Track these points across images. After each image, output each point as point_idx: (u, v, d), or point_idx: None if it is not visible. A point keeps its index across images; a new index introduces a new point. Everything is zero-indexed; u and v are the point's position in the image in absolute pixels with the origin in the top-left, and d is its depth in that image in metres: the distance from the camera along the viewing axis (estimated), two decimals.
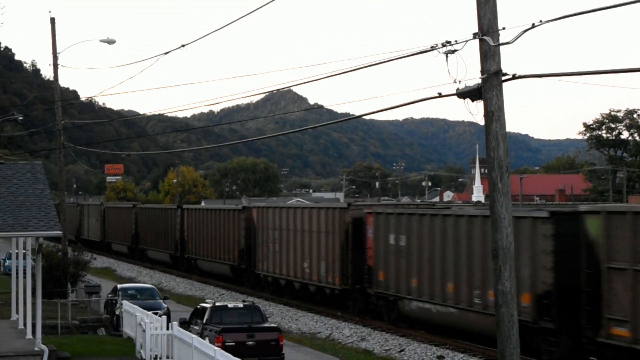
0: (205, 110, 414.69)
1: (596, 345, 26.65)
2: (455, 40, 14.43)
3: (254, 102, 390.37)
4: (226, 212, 59.12)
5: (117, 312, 35.92)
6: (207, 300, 31.66)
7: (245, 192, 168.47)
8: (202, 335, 26.37)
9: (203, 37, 28.16)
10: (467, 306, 32.34)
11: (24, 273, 28.48)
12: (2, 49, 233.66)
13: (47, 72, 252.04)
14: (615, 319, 25.81)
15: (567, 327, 28.02)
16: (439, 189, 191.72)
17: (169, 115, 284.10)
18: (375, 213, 39.31)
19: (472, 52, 14.42)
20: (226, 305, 29.00)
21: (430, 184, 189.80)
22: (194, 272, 65.28)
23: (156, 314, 30.80)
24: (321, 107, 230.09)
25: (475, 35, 14.31)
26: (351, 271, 41.55)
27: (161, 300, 37.59)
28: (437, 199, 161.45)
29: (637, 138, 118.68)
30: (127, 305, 32.99)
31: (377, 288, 38.91)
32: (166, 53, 31.29)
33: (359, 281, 40.97)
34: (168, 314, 34.69)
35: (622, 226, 25.58)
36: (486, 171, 15.21)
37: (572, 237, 27.55)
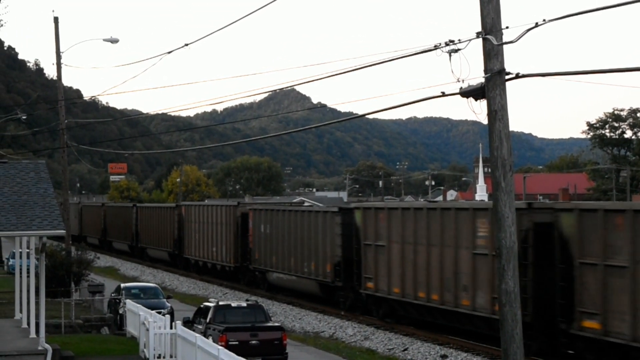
0: (209, 109, 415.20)
1: (365, 297, 39.23)
2: (459, 40, 14.41)
3: (257, 101, 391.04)
4: (165, 209, 72.23)
5: (120, 311, 35.93)
6: (210, 300, 31.59)
7: (249, 191, 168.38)
8: (205, 335, 26.35)
9: (206, 36, 28.21)
10: (300, 274, 45.43)
11: (28, 272, 28.48)
12: (5, 48, 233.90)
13: (50, 72, 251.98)
14: (368, 277, 38.68)
15: (349, 285, 40.90)
16: (442, 188, 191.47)
17: (172, 114, 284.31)
18: (253, 209, 53.37)
19: (475, 51, 14.42)
20: (229, 305, 28.97)
21: (433, 183, 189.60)
22: (146, 259, 76.63)
23: (160, 313, 30.79)
24: (324, 106, 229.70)
25: (478, 35, 14.28)
26: (240, 252, 54.45)
27: (165, 300, 37.59)
28: (440, 198, 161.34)
29: None
30: (130, 304, 32.96)
31: (254, 264, 52.32)
32: (169, 52, 31.39)
33: (245, 260, 53.77)
34: (172, 313, 34.68)
35: (370, 217, 38.58)
36: (489, 170, 15.14)
37: (350, 224, 40.52)
